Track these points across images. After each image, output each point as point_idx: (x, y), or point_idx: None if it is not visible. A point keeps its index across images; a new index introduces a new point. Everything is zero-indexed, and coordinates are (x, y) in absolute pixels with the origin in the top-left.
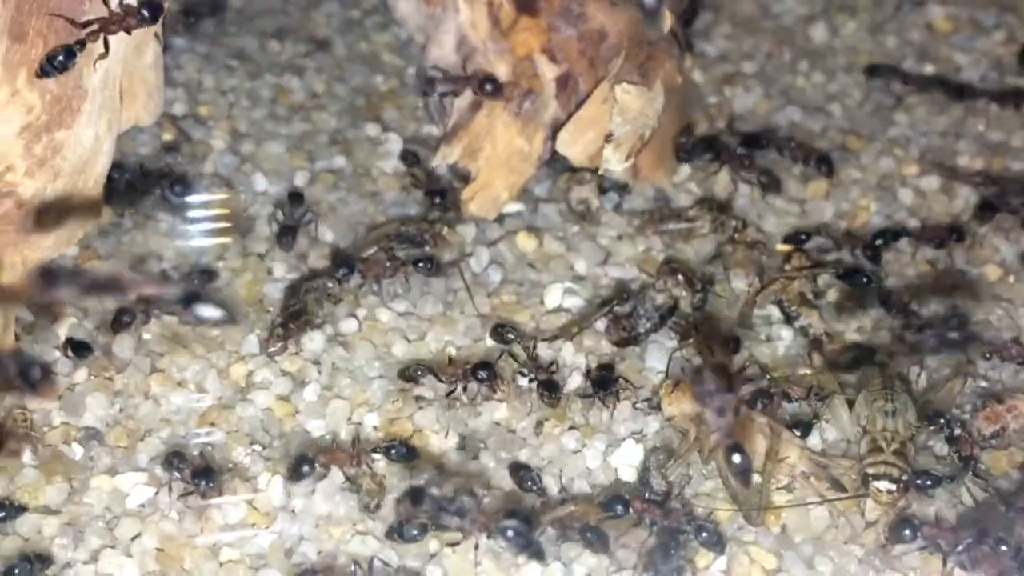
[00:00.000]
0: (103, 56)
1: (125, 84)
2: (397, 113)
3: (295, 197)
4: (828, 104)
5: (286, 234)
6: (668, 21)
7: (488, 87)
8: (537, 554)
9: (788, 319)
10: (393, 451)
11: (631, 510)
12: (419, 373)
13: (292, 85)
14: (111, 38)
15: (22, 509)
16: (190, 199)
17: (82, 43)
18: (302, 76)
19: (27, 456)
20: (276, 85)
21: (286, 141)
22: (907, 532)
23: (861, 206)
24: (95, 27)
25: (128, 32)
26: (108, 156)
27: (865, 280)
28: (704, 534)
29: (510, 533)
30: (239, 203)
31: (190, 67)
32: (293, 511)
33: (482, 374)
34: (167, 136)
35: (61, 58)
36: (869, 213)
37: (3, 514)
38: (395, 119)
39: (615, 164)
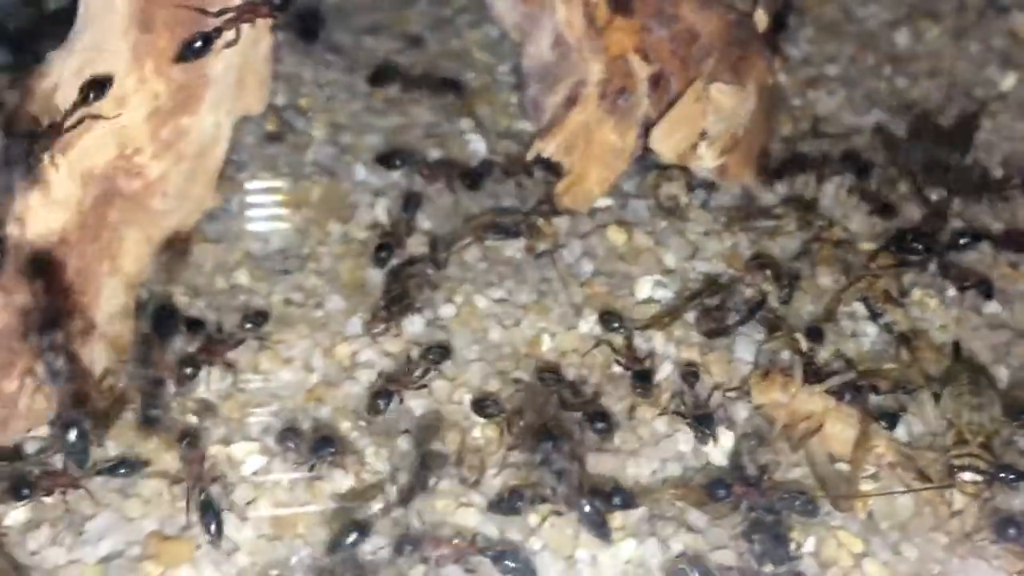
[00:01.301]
0: (232, 44)
1: (241, 74)
2: (489, 109)
3: (412, 198)
4: (911, 109)
5: (383, 249)
6: (764, 22)
7: None
8: (604, 534)
9: (873, 316)
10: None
11: (732, 494)
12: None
13: None
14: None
15: (143, 464)
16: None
17: (219, 30)
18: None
19: None
20: None
21: (383, 133)
22: (1012, 531)
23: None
24: (232, 15)
25: (261, 19)
26: (226, 142)
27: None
28: (798, 502)
29: (587, 508)
30: (340, 191)
31: (289, 60)
32: (399, 483)
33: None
34: (270, 126)
35: (199, 44)
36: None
37: (125, 469)
38: (487, 114)
39: (709, 161)
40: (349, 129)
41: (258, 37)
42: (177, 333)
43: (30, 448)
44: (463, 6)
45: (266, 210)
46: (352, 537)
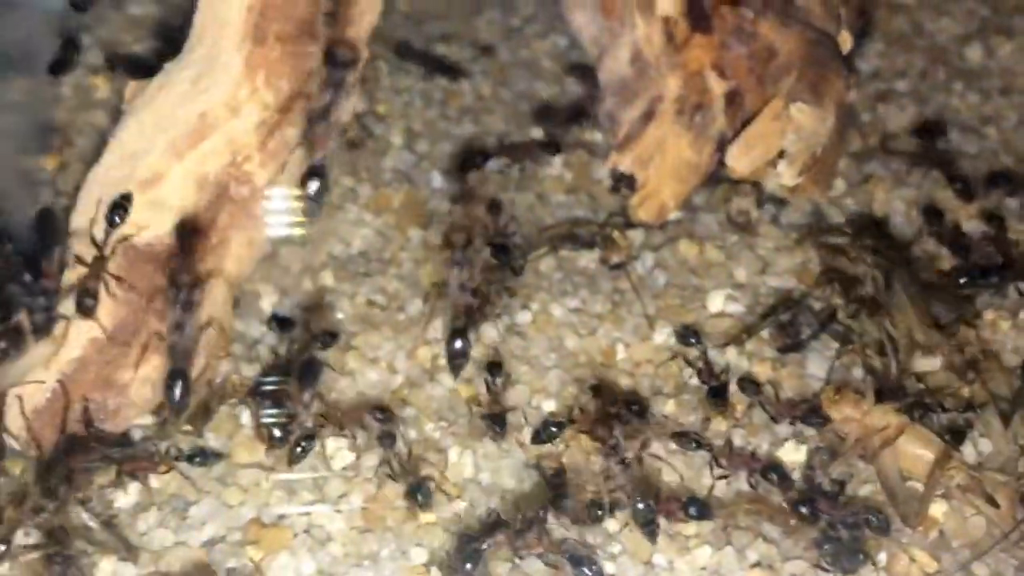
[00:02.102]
0: None
1: None
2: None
3: (495, 205)
4: (983, 126)
5: (500, 250)
6: (848, 43)
7: None
8: (651, 533)
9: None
10: None
11: (817, 512)
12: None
13: (461, 88)
14: None
15: (216, 456)
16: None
17: None
18: (470, 79)
19: (244, 419)
20: (446, 87)
21: (457, 141)
22: None
23: (1019, 230)
24: None
25: None
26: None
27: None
28: (874, 519)
29: (640, 505)
30: (419, 197)
31: (366, 66)
32: (481, 483)
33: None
34: (351, 132)
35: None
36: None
37: (200, 458)
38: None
39: (788, 180)
40: (425, 137)
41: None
42: None
43: (136, 435)
44: (531, 15)
45: (348, 214)
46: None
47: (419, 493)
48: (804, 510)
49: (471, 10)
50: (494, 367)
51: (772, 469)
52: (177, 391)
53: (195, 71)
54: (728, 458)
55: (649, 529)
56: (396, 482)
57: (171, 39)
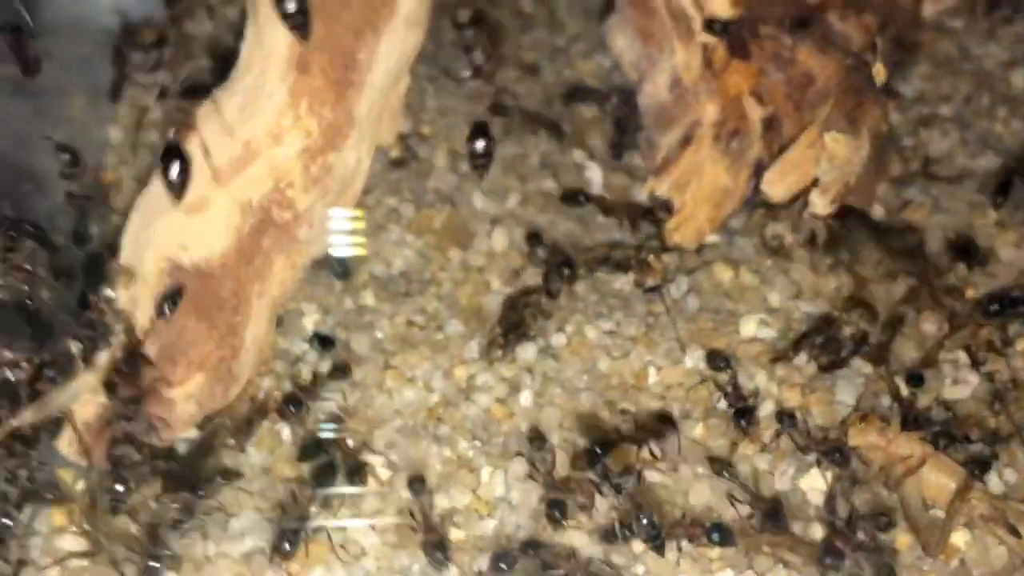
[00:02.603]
0: None
1: (381, 112)
2: (601, 141)
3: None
4: None
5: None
6: (882, 75)
7: None
8: (657, 548)
9: (975, 364)
10: None
11: (843, 556)
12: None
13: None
14: (383, 69)
15: (237, 475)
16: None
17: None
18: (516, 100)
19: (286, 434)
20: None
21: (500, 162)
22: None
23: None
24: None
25: None
26: (364, 175)
27: None
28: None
29: (644, 521)
30: (460, 218)
31: (413, 87)
32: (511, 503)
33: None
34: (395, 152)
35: None
36: None
37: (220, 477)
38: (599, 146)
39: (821, 208)
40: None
41: (399, 77)
42: None
43: (181, 449)
44: (576, 35)
45: (391, 234)
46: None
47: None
48: (829, 560)
49: (519, 28)
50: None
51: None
52: None
53: (241, 99)
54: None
55: (655, 544)
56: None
57: (224, 58)
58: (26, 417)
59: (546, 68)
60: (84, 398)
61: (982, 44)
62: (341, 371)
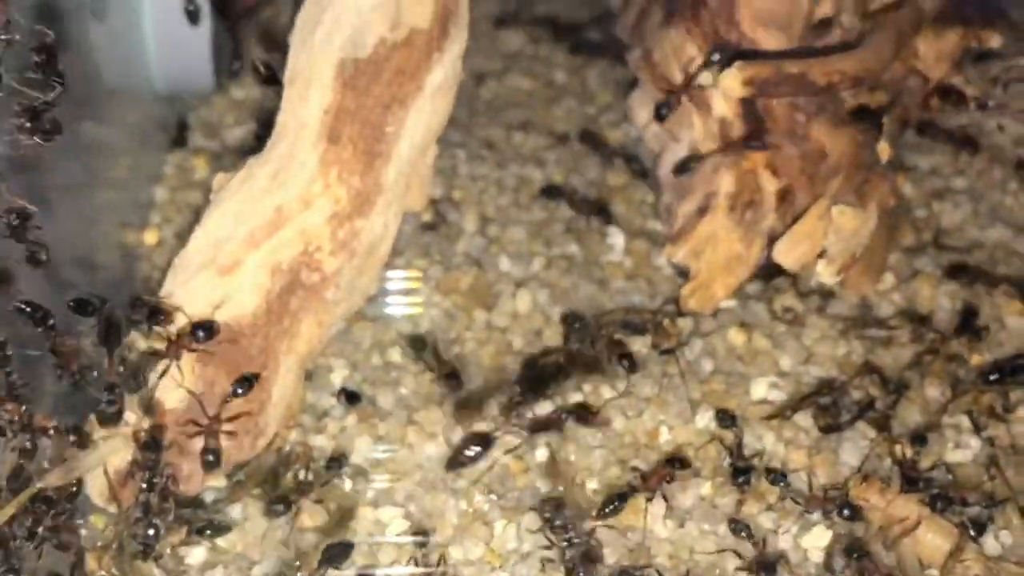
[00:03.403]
0: None
1: (409, 180)
2: (625, 207)
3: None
4: None
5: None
6: (887, 153)
7: None
8: None
9: (977, 429)
10: None
11: None
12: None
13: (534, 176)
14: (410, 141)
15: (226, 528)
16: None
17: None
18: (543, 167)
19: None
20: (519, 175)
21: (527, 227)
22: None
23: None
24: None
25: None
26: (391, 239)
27: None
28: None
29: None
30: (486, 280)
31: (446, 154)
32: (522, 553)
33: None
34: (426, 216)
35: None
36: None
37: (210, 531)
38: (623, 213)
39: (827, 278)
40: (496, 222)
41: (426, 147)
42: None
43: (209, 497)
44: (607, 104)
45: (419, 294)
46: None
47: None
48: None
49: (550, 98)
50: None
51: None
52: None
53: (275, 167)
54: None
55: None
56: None
57: (269, 123)
58: (51, 480)
59: (575, 137)
60: (114, 447)
61: (996, 118)
62: (337, 462)
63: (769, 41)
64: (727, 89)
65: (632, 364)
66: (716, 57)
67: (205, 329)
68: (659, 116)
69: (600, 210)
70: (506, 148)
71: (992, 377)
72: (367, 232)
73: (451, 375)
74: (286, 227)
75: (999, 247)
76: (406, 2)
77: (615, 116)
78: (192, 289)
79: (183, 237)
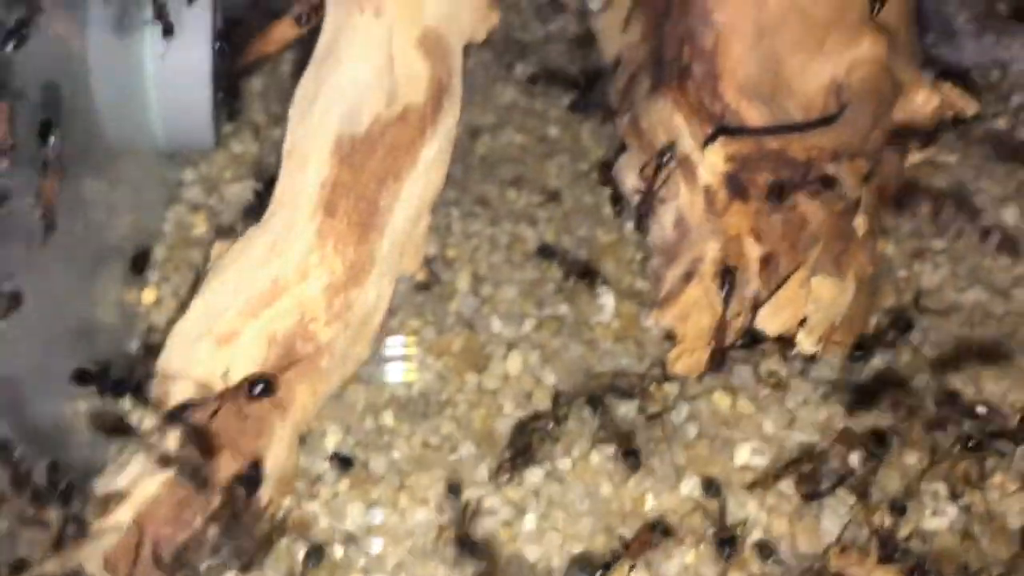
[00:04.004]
0: None
1: (403, 248)
2: (615, 266)
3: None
4: (1013, 288)
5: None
6: (863, 228)
7: None
8: None
9: (953, 496)
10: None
11: None
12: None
13: (526, 234)
14: (403, 213)
15: None
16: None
17: None
18: (535, 225)
19: (301, 554)
20: (512, 232)
21: (519, 286)
22: None
23: None
24: None
25: None
26: (385, 307)
27: None
28: None
29: None
30: (478, 342)
31: (441, 212)
32: None
33: None
34: (420, 276)
35: None
36: None
37: None
38: (612, 272)
39: (807, 347)
40: (489, 280)
41: (420, 217)
42: None
43: (203, 567)
44: (599, 160)
45: (412, 356)
46: None
47: None
48: None
49: (544, 153)
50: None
51: None
52: None
53: (272, 238)
54: None
55: None
56: None
57: (267, 179)
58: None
59: (567, 194)
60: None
61: (976, 178)
62: (316, 555)
63: (752, 113)
64: (711, 165)
65: (636, 461)
66: (665, 158)
67: (264, 383)
68: (639, 227)
69: (590, 272)
70: (499, 205)
71: (970, 443)
72: (361, 302)
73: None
74: (283, 298)
75: (977, 308)
76: (401, 79)
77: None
78: (190, 359)
79: (181, 296)
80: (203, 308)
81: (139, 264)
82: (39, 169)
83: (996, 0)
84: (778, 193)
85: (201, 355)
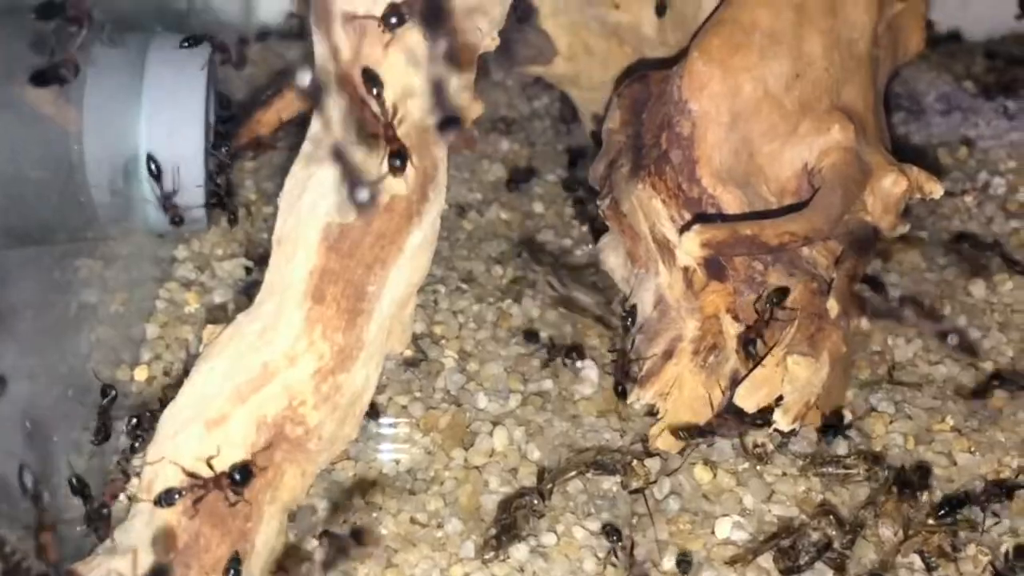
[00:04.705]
0: None
1: (391, 330)
2: (598, 341)
3: None
4: (980, 361)
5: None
6: (835, 310)
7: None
8: None
9: (928, 568)
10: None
11: None
12: None
13: (512, 310)
14: (390, 298)
15: None
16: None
17: None
18: (520, 301)
19: None
20: (499, 309)
21: (504, 362)
22: None
23: (1005, 464)
24: None
25: None
26: (373, 388)
27: None
28: None
29: None
30: (464, 418)
31: (428, 288)
32: None
33: None
34: (408, 352)
35: None
36: (1011, 471)
37: None
38: (596, 346)
39: (783, 425)
40: (475, 357)
41: (407, 301)
42: None
43: None
44: (582, 237)
45: (399, 433)
46: None
47: None
48: None
49: (531, 229)
50: None
51: None
52: None
53: (262, 324)
54: None
55: None
56: None
57: (260, 257)
58: None
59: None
60: None
61: (945, 254)
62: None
63: (728, 197)
64: (687, 251)
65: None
66: (628, 321)
67: (242, 472)
68: (619, 394)
69: (573, 349)
70: (486, 281)
71: (941, 513)
72: (349, 385)
73: None
74: (272, 382)
75: (948, 381)
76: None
77: (593, 248)
78: (180, 443)
79: (172, 375)
80: (193, 394)
81: None
82: None
83: (963, 79)
84: (746, 344)
85: (191, 439)
